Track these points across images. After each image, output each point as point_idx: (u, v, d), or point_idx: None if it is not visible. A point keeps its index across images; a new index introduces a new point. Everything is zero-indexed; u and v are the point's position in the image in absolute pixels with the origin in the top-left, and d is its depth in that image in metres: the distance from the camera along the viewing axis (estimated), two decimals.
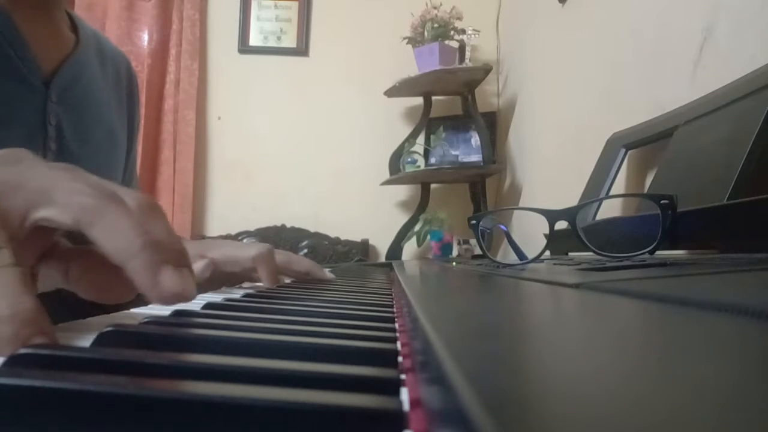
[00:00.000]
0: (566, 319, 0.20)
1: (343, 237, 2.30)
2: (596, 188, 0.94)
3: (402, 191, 2.34)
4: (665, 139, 0.79)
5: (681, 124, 0.74)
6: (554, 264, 0.54)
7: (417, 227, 2.08)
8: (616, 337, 0.15)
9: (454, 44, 2.07)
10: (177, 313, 0.29)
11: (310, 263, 0.67)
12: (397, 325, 0.30)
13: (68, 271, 0.27)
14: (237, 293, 0.48)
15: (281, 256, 0.65)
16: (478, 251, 1.77)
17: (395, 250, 2.10)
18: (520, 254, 0.69)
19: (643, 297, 0.21)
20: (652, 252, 0.50)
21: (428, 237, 2.05)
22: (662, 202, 0.50)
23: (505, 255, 1.62)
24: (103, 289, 0.27)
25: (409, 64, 2.09)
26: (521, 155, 1.92)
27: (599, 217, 0.89)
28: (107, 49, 0.73)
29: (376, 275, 0.87)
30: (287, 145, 2.38)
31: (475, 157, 2.09)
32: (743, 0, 0.72)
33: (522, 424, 0.08)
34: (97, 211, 0.23)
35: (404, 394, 0.16)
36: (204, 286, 0.58)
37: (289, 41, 2.42)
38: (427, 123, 2.19)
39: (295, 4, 2.42)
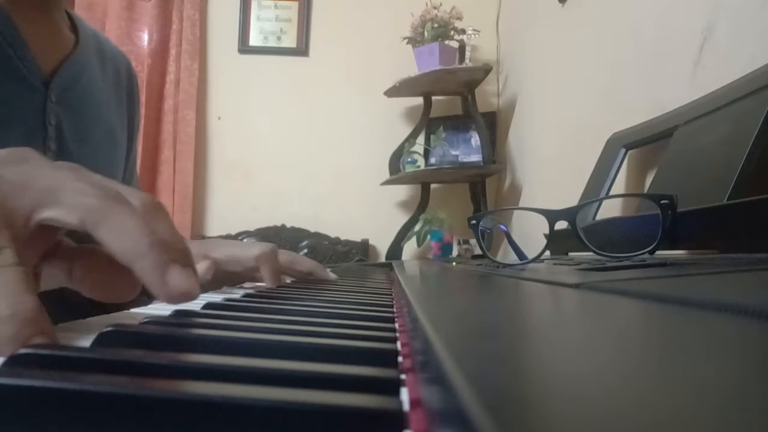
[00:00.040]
0: (566, 319, 0.20)
1: (343, 237, 2.30)
2: (596, 188, 0.95)
3: (402, 191, 2.34)
4: (665, 139, 0.79)
5: (681, 124, 0.74)
6: (554, 264, 0.54)
7: (417, 227, 2.08)
8: (616, 337, 0.15)
9: (454, 44, 2.07)
10: (177, 313, 0.29)
11: (313, 264, 0.68)
12: (397, 325, 0.30)
13: (71, 270, 0.27)
14: (237, 293, 0.48)
15: (285, 256, 0.66)
16: (478, 251, 1.77)
17: (395, 250, 2.10)
18: (520, 254, 0.69)
19: (643, 297, 0.21)
20: (652, 252, 0.50)
21: (428, 237, 2.05)
22: (662, 202, 0.50)
23: (505, 255, 1.62)
24: (106, 288, 0.27)
25: (409, 64, 2.09)
26: (521, 155, 1.92)
27: (599, 217, 0.89)
28: (107, 49, 0.73)
29: (376, 275, 0.87)
30: (287, 145, 2.38)
31: (475, 157, 2.09)
32: (743, 0, 0.72)
33: (522, 424, 0.08)
34: (103, 212, 0.23)
35: (404, 394, 0.16)
36: (206, 286, 0.58)
37: (289, 41, 2.42)
38: (427, 123, 2.19)
39: (295, 4, 2.42)
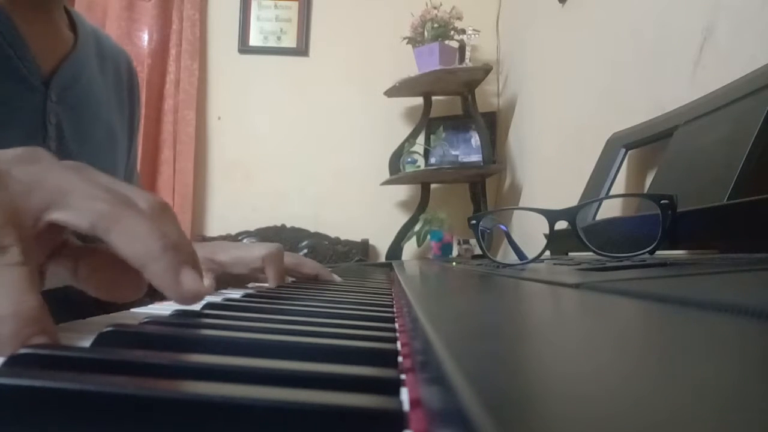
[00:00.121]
0: (566, 319, 0.20)
1: (343, 237, 2.30)
2: (596, 188, 0.95)
3: (402, 191, 2.34)
4: (665, 139, 0.79)
5: (681, 124, 0.74)
6: (554, 264, 0.54)
7: (417, 227, 2.08)
8: (616, 337, 0.15)
9: (454, 44, 2.07)
10: (177, 313, 0.29)
11: (318, 266, 0.68)
12: (397, 325, 0.30)
13: (77, 268, 0.28)
14: (237, 293, 0.48)
15: (291, 258, 0.66)
16: (478, 251, 1.77)
17: (395, 250, 2.10)
18: (520, 254, 0.69)
19: (643, 297, 0.21)
20: (652, 252, 0.50)
21: (428, 237, 2.05)
22: (662, 202, 0.50)
23: (505, 255, 1.62)
24: (111, 288, 0.27)
25: (409, 64, 2.09)
26: (521, 155, 1.92)
27: (599, 217, 0.89)
28: (107, 47, 0.73)
29: (376, 275, 0.87)
30: (287, 145, 2.38)
31: (475, 157, 2.09)
32: (743, 0, 0.72)
33: (522, 424, 0.08)
34: (114, 217, 0.24)
35: (404, 394, 0.16)
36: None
37: (289, 41, 2.42)
38: (427, 123, 2.19)
39: (295, 4, 2.42)
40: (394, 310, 0.36)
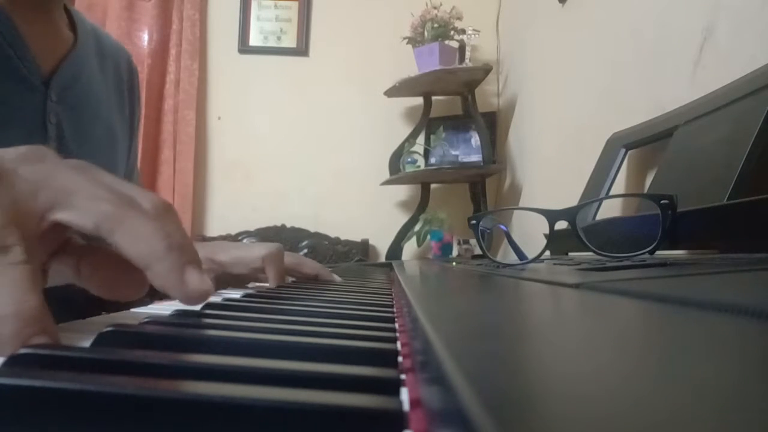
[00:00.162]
0: (566, 319, 0.20)
1: (343, 237, 2.30)
2: (596, 188, 0.95)
3: (402, 191, 2.34)
4: (665, 139, 0.79)
5: (681, 124, 0.74)
6: (554, 264, 0.54)
7: (417, 227, 2.08)
8: (616, 337, 0.15)
9: (454, 44, 2.07)
10: (177, 313, 0.29)
11: (318, 266, 0.68)
12: (397, 325, 0.30)
13: (79, 267, 0.28)
14: (237, 293, 0.48)
15: (291, 258, 0.66)
16: (478, 251, 1.77)
17: (395, 250, 2.10)
18: (520, 254, 0.69)
19: (643, 297, 0.21)
20: (652, 252, 0.50)
21: (428, 237, 2.05)
22: (662, 202, 0.50)
23: (505, 255, 1.62)
24: (113, 286, 0.27)
25: (409, 64, 2.09)
26: (521, 155, 1.92)
27: (599, 217, 0.89)
28: (107, 45, 0.73)
29: (376, 275, 0.87)
30: (287, 145, 2.38)
31: (475, 157, 2.09)
32: (743, 0, 0.72)
33: (522, 424, 0.08)
34: (118, 219, 0.24)
35: (404, 394, 0.16)
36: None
37: (289, 41, 2.42)
38: (427, 123, 2.19)
39: (295, 4, 2.42)
40: (394, 310, 0.36)
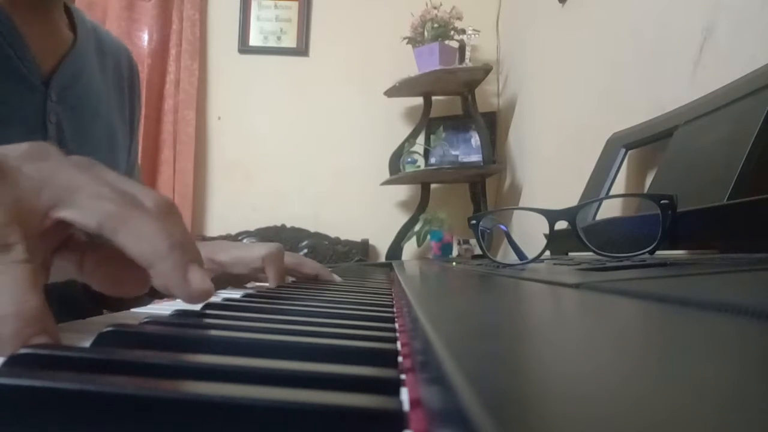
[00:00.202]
0: (566, 319, 0.20)
1: (343, 237, 2.30)
2: (596, 188, 0.94)
3: (402, 191, 2.34)
4: (665, 139, 0.79)
5: (681, 124, 0.74)
6: (554, 264, 0.54)
7: (417, 227, 2.08)
8: (616, 337, 0.15)
9: (454, 44, 2.07)
10: (177, 313, 0.29)
11: (318, 266, 0.68)
12: (397, 325, 0.30)
13: (82, 263, 0.28)
14: (237, 293, 0.48)
15: (291, 258, 0.66)
16: (478, 251, 1.77)
17: (395, 250, 2.10)
18: (520, 254, 0.69)
19: (643, 297, 0.21)
20: (652, 252, 0.50)
21: (428, 237, 2.05)
22: (662, 202, 0.50)
23: (505, 255, 1.62)
24: (115, 283, 0.27)
25: (409, 64, 2.09)
26: (521, 155, 1.92)
27: (599, 217, 0.89)
28: (107, 43, 0.73)
29: (376, 275, 0.87)
30: (287, 145, 2.38)
31: (475, 157, 2.09)
32: (743, 0, 0.72)
33: (522, 424, 0.08)
34: (121, 218, 0.24)
35: (404, 394, 0.16)
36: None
37: (289, 41, 2.42)
38: (427, 123, 2.19)
39: (295, 4, 2.42)
40: (394, 310, 0.36)
